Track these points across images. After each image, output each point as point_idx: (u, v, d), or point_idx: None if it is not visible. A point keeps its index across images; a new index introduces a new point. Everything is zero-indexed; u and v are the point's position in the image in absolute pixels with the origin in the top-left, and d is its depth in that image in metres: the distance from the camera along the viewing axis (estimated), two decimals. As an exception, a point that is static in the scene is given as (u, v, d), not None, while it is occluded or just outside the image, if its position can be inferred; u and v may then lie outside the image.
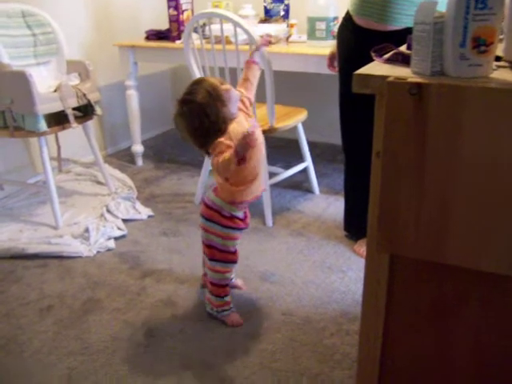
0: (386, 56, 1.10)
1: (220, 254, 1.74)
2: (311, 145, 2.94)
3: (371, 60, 1.12)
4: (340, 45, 2.04)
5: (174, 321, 1.84)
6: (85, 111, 2.54)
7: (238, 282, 2.01)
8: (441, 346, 1.11)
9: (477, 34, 0.88)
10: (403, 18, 1.79)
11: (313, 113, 2.90)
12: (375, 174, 1.02)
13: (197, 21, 2.34)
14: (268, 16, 3.18)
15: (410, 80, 0.91)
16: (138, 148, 3.30)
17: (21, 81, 2.23)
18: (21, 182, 2.81)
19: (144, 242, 2.39)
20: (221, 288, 1.79)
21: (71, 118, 2.42)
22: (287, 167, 2.77)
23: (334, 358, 1.64)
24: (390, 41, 1.24)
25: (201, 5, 3.20)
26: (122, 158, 3.44)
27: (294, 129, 2.64)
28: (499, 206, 0.90)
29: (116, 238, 2.40)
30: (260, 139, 1.70)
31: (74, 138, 2.95)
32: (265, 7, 3.19)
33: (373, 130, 1.01)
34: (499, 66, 0.98)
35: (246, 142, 1.47)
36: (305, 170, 2.80)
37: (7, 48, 2.35)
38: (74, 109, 2.45)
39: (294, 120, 2.54)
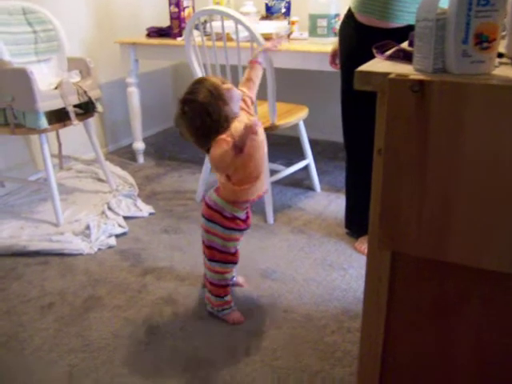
0: (388, 53, 1.10)
1: (220, 255, 1.74)
2: (312, 142, 2.93)
3: (373, 57, 1.11)
4: (342, 42, 2.04)
5: (174, 318, 1.84)
6: (86, 108, 2.54)
7: (240, 279, 2.01)
8: (442, 344, 1.11)
9: (479, 30, 0.87)
10: (405, 16, 1.79)
11: (314, 110, 2.90)
12: (377, 171, 1.01)
13: (198, 18, 2.33)
14: (269, 13, 3.17)
15: (411, 77, 0.90)
16: (139, 145, 3.30)
17: (22, 78, 2.23)
18: (22, 180, 2.81)
19: (145, 239, 2.39)
20: (221, 288, 1.79)
21: (72, 116, 2.42)
22: (288, 164, 2.77)
23: (335, 356, 1.64)
24: (392, 38, 1.23)
25: (202, 2, 3.20)
26: (123, 156, 3.44)
27: (296, 126, 2.63)
28: (501, 204, 0.90)
29: (117, 236, 2.40)
30: (262, 137, 1.69)
31: (74, 135, 2.95)
32: (266, 4, 3.18)
33: (374, 128, 1.00)
34: (501, 63, 0.97)
35: (246, 130, 1.47)
36: (306, 168, 2.80)
37: (8, 45, 2.35)
38: (74, 106, 2.45)
39: (295, 117, 2.54)
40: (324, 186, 2.88)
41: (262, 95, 2.18)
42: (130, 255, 2.25)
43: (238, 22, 2.18)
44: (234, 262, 1.79)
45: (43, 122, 2.30)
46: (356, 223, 2.30)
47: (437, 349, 1.12)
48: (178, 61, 3.80)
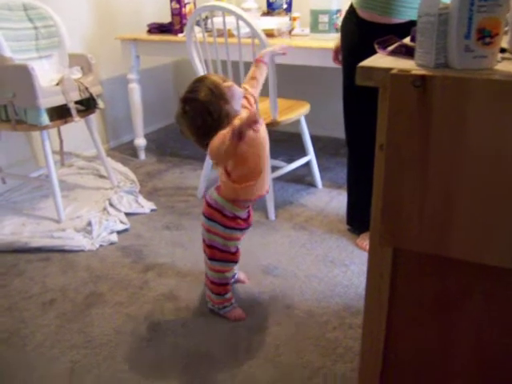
0: (390, 48, 1.10)
1: (221, 254, 1.74)
2: (314, 138, 2.93)
3: (375, 53, 1.11)
4: (344, 38, 2.03)
5: (176, 315, 1.84)
6: (87, 105, 2.54)
7: (241, 275, 2.00)
8: (444, 340, 1.11)
9: (482, 25, 0.87)
10: (407, 11, 1.78)
11: (316, 106, 2.89)
12: (378, 167, 1.01)
13: (199, 14, 2.33)
14: (270, 9, 3.16)
15: (413, 72, 0.90)
16: (141, 141, 3.29)
17: (23, 74, 2.22)
18: (23, 176, 2.81)
19: (146, 235, 2.39)
20: (221, 286, 1.78)
21: (73, 112, 2.42)
22: (290, 161, 2.77)
23: (336, 352, 1.64)
24: (394, 33, 1.23)
25: (203, -2, 3.19)
26: (125, 152, 3.44)
27: (297, 122, 2.63)
28: (503, 199, 0.89)
29: (118, 232, 2.40)
30: (264, 134, 1.68)
31: (76, 131, 2.95)
32: (267, 0, 3.17)
33: (376, 123, 1.00)
34: (504, 58, 0.97)
35: (247, 119, 1.45)
36: (307, 164, 2.79)
37: (9, 41, 2.34)
38: (76, 102, 2.44)
39: (296, 113, 2.53)
40: (325, 183, 2.87)
41: (263, 91, 2.17)
42: (131, 251, 2.25)
43: (239, 17, 2.18)
44: (235, 261, 1.79)
45: (44, 119, 2.30)
46: (357, 219, 2.30)
47: (438, 345, 1.12)
48: (180, 57, 3.79)
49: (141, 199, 2.70)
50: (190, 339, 1.71)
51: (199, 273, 2.04)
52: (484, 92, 0.85)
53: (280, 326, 1.77)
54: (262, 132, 1.67)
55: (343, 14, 2.05)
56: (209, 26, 2.64)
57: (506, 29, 1.05)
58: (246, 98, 1.71)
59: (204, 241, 1.76)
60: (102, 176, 2.98)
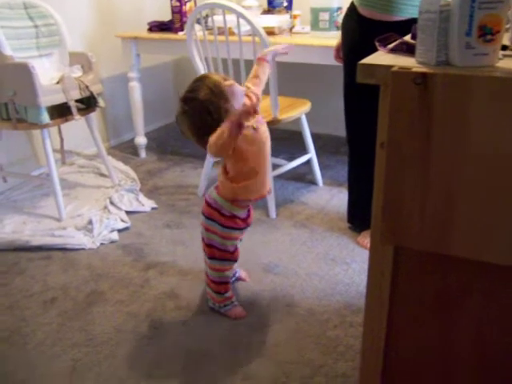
0: (391, 46, 1.09)
1: (219, 253, 1.73)
2: (315, 136, 2.92)
3: (376, 51, 1.10)
4: (344, 35, 2.03)
5: (177, 313, 1.84)
6: (87, 103, 2.54)
7: (242, 273, 2.01)
8: (444, 338, 1.11)
9: (483, 22, 0.87)
10: (408, 9, 1.78)
11: (316, 104, 2.88)
12: (379, 165, 1.01)
13: (199, 12, 2.32)
14: (271, 7, 3.15)
15: (414, 70, 0.90)
16: (141, 140, 3.29)
17: (23, 73, 2.22)
18: (24, 175, 2.81)
19: (147, 234, 2.39)
20: (221, 285, 1.79)
21: (74, 110, 2.42)
22: (290, 159, 2.77)
23: (337, 350, 1.64)
24: (395, 31, 1.22)
25: (203, -4, 3.18)
26: (125, 150, 3.44)
27: (298, 120, 2.63)
28: (505, 197, 0.89)
29: (119, 230, 2.40)
30: (266, 134, 1.67)
31: (76, 130, 2.95)
32: (268, -2, 3.17)
33: (377, 121, 1.00)
34: (505, 55, 0.97)
35: (245, 107, 1.45)
36: (308, 162, 2.79)
37: (9, 40, 2.34)
38: (76, 101, 2.44)
39: (297, 111, 2.53)
40: (326, 181, 2.87)
41: (264, 89, 2.17)
42: (132, 250, 2.25)
43: (239, 15, 2.17)
44: (234, 260, 1.79)
45: (45, 117, 2.30)
46: (358, 217, 2.30)
47: (439, 343, 1.12)
48: (180, 55, 3.79)
49: (141, 197, 2.70)
50: (191, 337, 1.72)
51: (200, 271, 2.04)
52: (485, 89, 0.85)
53: (281, 324, 1.77)
54: (263, 131, 1.66)
55: (344, 11, 2.05)
56: (209, 24, 2.63)
57: (508, 26, 1.05)
58: (248, 96, 1.70)
59: (203, 240, 1.76)
60: (102, 174, 2.98)
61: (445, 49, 0.91)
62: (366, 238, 2.21)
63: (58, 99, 2.35)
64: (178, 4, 2.93)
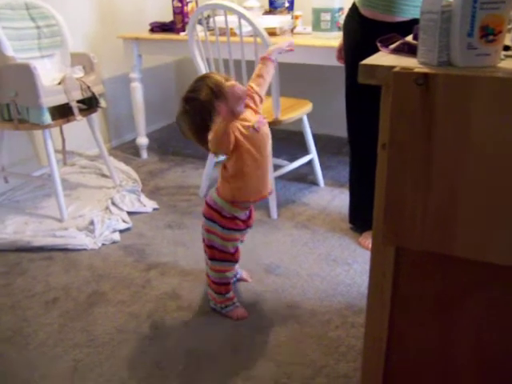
0: (392, 46, 1.09)
1: (220, 254, 1.73)
2: (316, 137, 2.92)
3: (377, 51, 1.10)
4: (346, 36, 2.03)
5: (178, 314, 1.84)
6: (89, 104, 2.54)
7: (244, 274, 2.00)
8: (445, 339, 1.10)
9: (485, 22, 0.87)
10: (410, 9, 1.78)
11: (318, 105, 2.88)
12: (381, 165, 1.01)
13: (201, 12, 2.33)
14: (273, 7, 3.16)
15: (416, 70, 0.90)
16: (143, 140, 3.29)
17: (25, 73, 2.23)
18: (26, 175, 2.81)
19: (149, 234, 2.39)
20: (222, 286, 1.78)
21: (75, 111, 2.42)
22: (292, 159, 2.77)
23: (339, 351, 1.64)
24: (397, 32, 1.22)
25: (205, -4, 3.19)
26: (127, 151, 3.44)
27: (299, 121, 2.63)
28: (507, 197, 0.89)
29: (121, 231, 2.40)
30: (266, 131, 1.67)
31: (78, 130, 2.95)
32: (269, -2, 3.17)
33: (379, 122, 1.00)
34: (507, 56, 0.97)
35: (233, 95, 1.46)
36: (310, 163, 2.79)
37: (11, 41, 2.34)
38: (78, 101, 2.45)
39: (298, 112, 2.53)
40: (328, 181, 2.87)
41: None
42: (133, 250, 2.25)
43: (241, 16, 2.17)
44: (234, 261, 1.78)
45: (47, 118, 2.30)
46: (360, 218, 2.29)
47: (440, 343, 1.11)
48: (182, 56, 3.79)
49: (143, 198, 2.70)
50: (192, 338, 1.71)
51: (201, 272, 2.04)
52: (487, 90, 0.84)
53: (282, 324, 1.77)
54: (264, 131, 1.65)
55: (345, 12, 2.05)
56: (211, 24, 2.63)
57: (510, 26, 1.05)
58: (250, 96, 1.69)
59: (204, 241, 1.76)
60: (104, 175, 2.98)
61: (446, 49, 0.91)
62: (367, 239, 2.20)
63: (60, 100, 2.35)
64: (179, 5, 2.93)
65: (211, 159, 2.63)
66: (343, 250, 2.20)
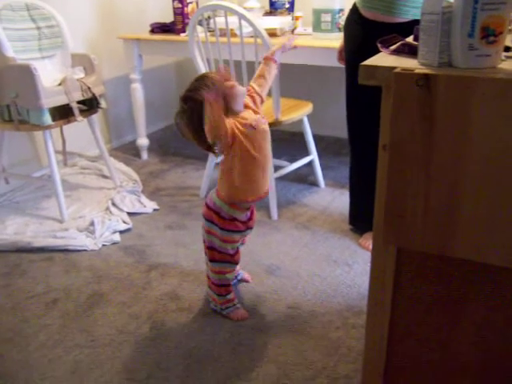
0: (393, 47, 1.09)
1: (219, 256, 1.73)
2: (316, 138, 2.93)
3: (378, 52, 1.10)
4: (347, 37, 2.03)
5: (179, 314, 1.84)
6: (89, 105, 2.54)
7: (245, 275, 2.00)
8: (447, 340, 1.10)
9: (486, 23, 0.86)
10: (410, 10, 1.78)
11: (318, 106, 2.88)
12: (382, 167, 1.01)
13: (201, 13, 2.33)
14: (273, 8, 3.16)
15: (417, 71, 0.90)
16: (143, 141, 3.30)
17: (26, 74, 2.23)
18: (26, 176, 2.81)
19: (149, 235, 2.39)
20: (222, 287, 1.78)
21: (76, 112, 2.42)
22: (292, 160, 2.76)
23: (339, 352, 1.64)
24: (398, 32, 1.22)
25: (205, -3, 3.19)
26: (127, 152, 3.44)
27: (300, 122, 2.62)
28: (508, 198, 0.89)
29: (121, 232, 2.40)
30: (265, 134, 1.65)
31: (78, 131, 2.95)
32: (270, -1, 3.18)
33: (379, 123, 1.00)
34: (508, 57, 0.97)
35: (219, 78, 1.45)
36: (310, 164, 2.79)
37: (12, 41, 2.34)
38: (78, 102, 2.44)
39: (299, 113, 2.53)
40: (328, 182, 2.87)
41: (266, 91, 2.18)
42: (134, 251, 2.25)
43: (241, 17, 2.17)
44: (234, 263, 1.78)
45: (47, 119, 2.30)
46: (360, 219, 2.29)
47: (441, 344, 1.11)
48: (182, 57, 3.79)
49: (143, 199, 2.70)
50: (193, 339, 1.71)
51: (202, 272, 2.04)
52: (488, 91, 0.84)
53: (282, 325, 1.77)
54: (262, 130, 1.62)
55: (345, 13, 2.05)
56: (211, 25, 2.63)
57: (511, 27, 1.05)
58: (251, 97, 1.68)
59: (204, 242, 1.75)
60: (104, 176, 2.98)
61: (447, 50, 0.91)
62: (367, 240, 2.20)
63: (60, 101, 2.35)
64: (179, 6, 2.93)
65: (212, 160, 2.63)
66: (343, 251, 2.20)
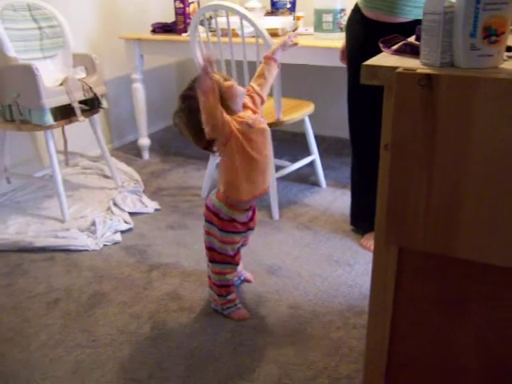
0: (395, 47, 1.09)
1: (219, 257, 1.73)
2: (318, 138, 2.92)
3: (380, 52, 1.10)
4: (349, 37, 2.02)
5: (180, 314, 1.84)
6: (91, 105, 2.54)
7: (247, 274, 2.00)
8: (448, 340, 1.10)
9: (488, 23, 0.86)
10: (412, 10, 1.78)
11: (320, 106, 2.88)
12: (383, 167, 1.01)
13: (203, 13, 2.33)
14: (274, 8, 3.16)
15: (419, 71, 0.90)
16: (145, 141, 3.30)
17: (27, 74, 2.23)
18: (28, 176, 2.81)
19: (150, 235, 2.39)
20: (222, 288, 1.78)
21: (78, 112, 2.42)
22: (294, 160, 2.76)
23: (340, 352, 1.64)
24: (400, 32, 1.22)
25: (207, -3, 3.19)
26: (129, 152, 3.45)
27: (301, 122, 2.62)
28: (510, 199, 0.89)
29: (122, 232, 2.40)
30: (262, 132, 1.63)
31: (80, 131, 2.96)
32: (271, -1, 3.18)
33: (381, 123, 1.00)
34: (510, 57, 0.96)
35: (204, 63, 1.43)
36: (311, 164, 2.79)
37: (13, 41, 2.35)
38: (80, 102, 2.45)
39: (300, 113, 2.53)
40: (330, 182, 2.87)
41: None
42: (135, 251, 2.25)
43: (243, 17, 2.17)
44: (234, 264, 1.77)
45: (49, 119, 2.31)
46: (361, 220, 2.29)
47: (443, 344, 1.11)
48: (183, 57, 3.79)
49: (145, 199, 2.70)
50: (194, 339, 1.71)
51: (203, 272, 2.04)
52: (490, 91, 0.84)
53: (284, 325, 1.76)
54: (259, 129, 1.60)
55: (347, 13, 2.05)
56: (213, 25, 2.63)
57: (512, 27, 1.05)
58: (251, 97, 1.68)
59: (204, 243, 1.75)
60: (106, 176, 2.98)
61: (449, 50, 0.91)
62: (369, 241, 2.20)
63: (62, 101, 2.36)
64: (181, 6, 2.93)
65: (213, 160, 2.63)
66: (345, 251, 2.20)
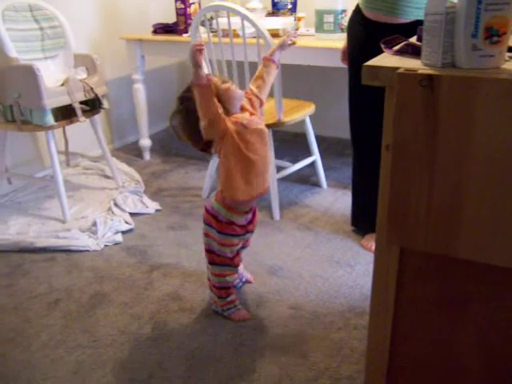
0: (396, 48, 1.09)
1: (218, 259, 1.72)
2: (319, 138, 2.92)
3: (381, 53, 1.10)
4: (350, 38, 2.02)
5: (180, 315, 1.84)
6: (92, 105, 2.54)
7: (248, 275, 2.00)
8: (450, 340, 1.10)
9: (489, 24, 0.86)
10: (413, 11, 1.78)
11: (321, 106, 2.88)
12: (385, 167, 1.00)
13: (204, 14, 2.33)
14: (275, 9, 3.16)
15: (420, 71, 0.89)
16: (146, 142, 3.30)
17: (28, 75, 2.23)
18: (28, 176, 2.82)
19: (151, 235, 2.39)
20: (222, 290, 1.78)
21: (78, 112, 2.42)
22: (295, 161, 2.76)
23: (341, 353, 1.64)
24: (401, 33, 1.22)
25: (208, -2, 3.19)
26: (130, 152, 3.45)
27: (302, 122, 2.62)
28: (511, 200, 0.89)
29: (123, 232, 2.40)
30: (259, 133, 1.60)
31: (81, 132, 2.96)
32: (272, 0, 3.17)
33: (382, 124, 0.99)
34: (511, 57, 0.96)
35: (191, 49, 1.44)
36: (312, 164, 2.79)
37: (15, 42, 2.35)
38: (81, 103, 2.45)
39: (301, 114, 2.53)
40: (330, 183, 2.87)
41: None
42: (136, 252, 2.25)
43: (244, 18, 2.17)
44: (234, 266, 1.76)
45: (50, 119, 2.31)
46: (362, 220, 2.29)
47: (444, 345, 1.11)
48: (184, 57, 3.78)
49: (146, 199, 2.70)
50: (195, 339, 1.71)
51: (203, 273, 2.04)
52: (491, 91, 0.84)
53: (284, 326, 1.76)
54: (255, 130, 1.58)
55: (348, 14, 2.04)
56: (214, 26, 2.64)
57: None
58: (249, 99, 1.67)
59: (204, 245, 1.75)
60: (106, 176, 2.98)
61: (451, 50, 0.91)
62: (370, 241, 2.20)
63: (63, 101, 2.36)
64: (182, 6, 2.94)
65: (214, 161, 2.63)
66: (346, 252, 2.20)
